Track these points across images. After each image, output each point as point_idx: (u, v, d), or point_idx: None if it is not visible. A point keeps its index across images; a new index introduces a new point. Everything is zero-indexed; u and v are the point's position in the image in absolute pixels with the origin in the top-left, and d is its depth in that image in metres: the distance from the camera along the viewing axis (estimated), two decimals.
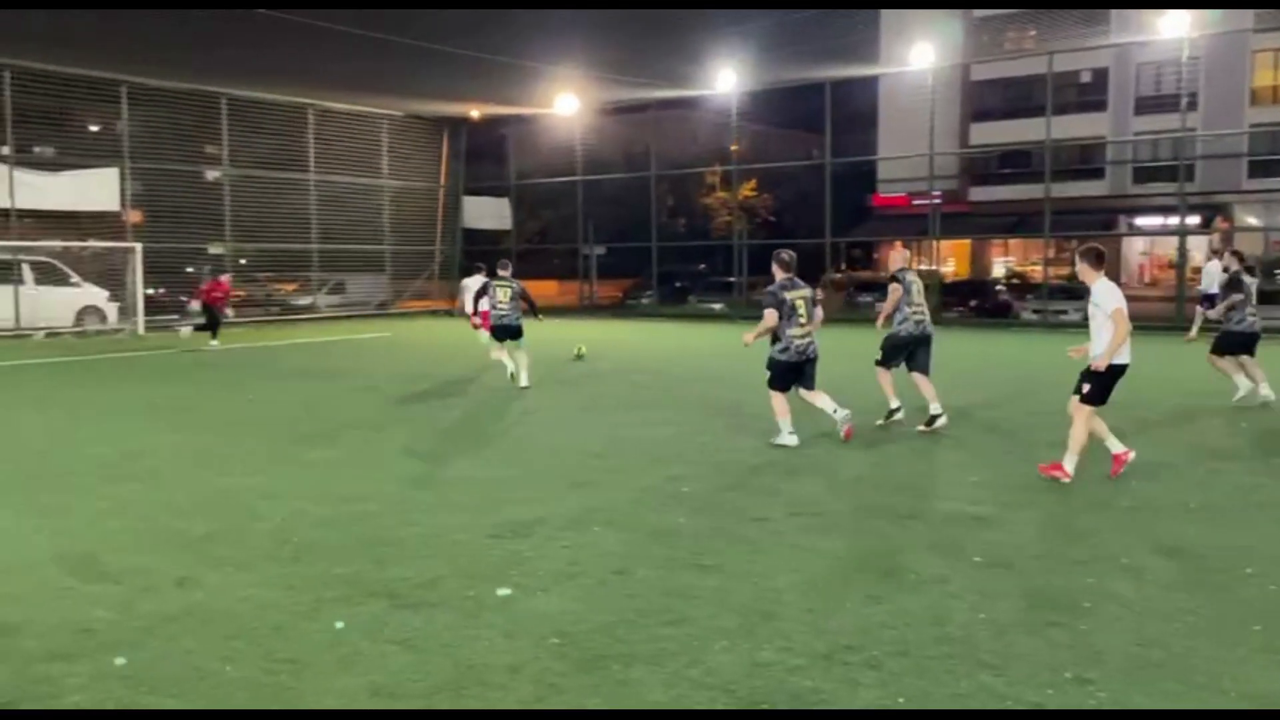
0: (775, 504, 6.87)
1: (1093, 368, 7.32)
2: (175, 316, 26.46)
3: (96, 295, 24.24)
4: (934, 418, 9.59)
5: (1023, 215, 33.30)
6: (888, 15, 31.64)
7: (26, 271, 22.99)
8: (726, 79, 27.35)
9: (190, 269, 28.01)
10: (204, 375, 15.64)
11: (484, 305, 13.90)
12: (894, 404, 9.91)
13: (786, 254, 9.21)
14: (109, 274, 24.73)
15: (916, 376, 9.79)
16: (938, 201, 28.36)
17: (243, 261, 28.86)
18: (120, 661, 4.22)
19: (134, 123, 25.65)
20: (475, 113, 31.80)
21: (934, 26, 28.52)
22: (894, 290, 9.76)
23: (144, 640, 4.44)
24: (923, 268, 8.20)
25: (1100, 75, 37.38)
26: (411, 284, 32.55)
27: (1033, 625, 4.57)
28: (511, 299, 13.46)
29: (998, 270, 40.38)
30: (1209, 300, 19.59)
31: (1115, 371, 7.33)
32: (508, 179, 34.58)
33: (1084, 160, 37.74)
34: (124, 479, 7.82)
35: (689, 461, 8.43)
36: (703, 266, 43.83)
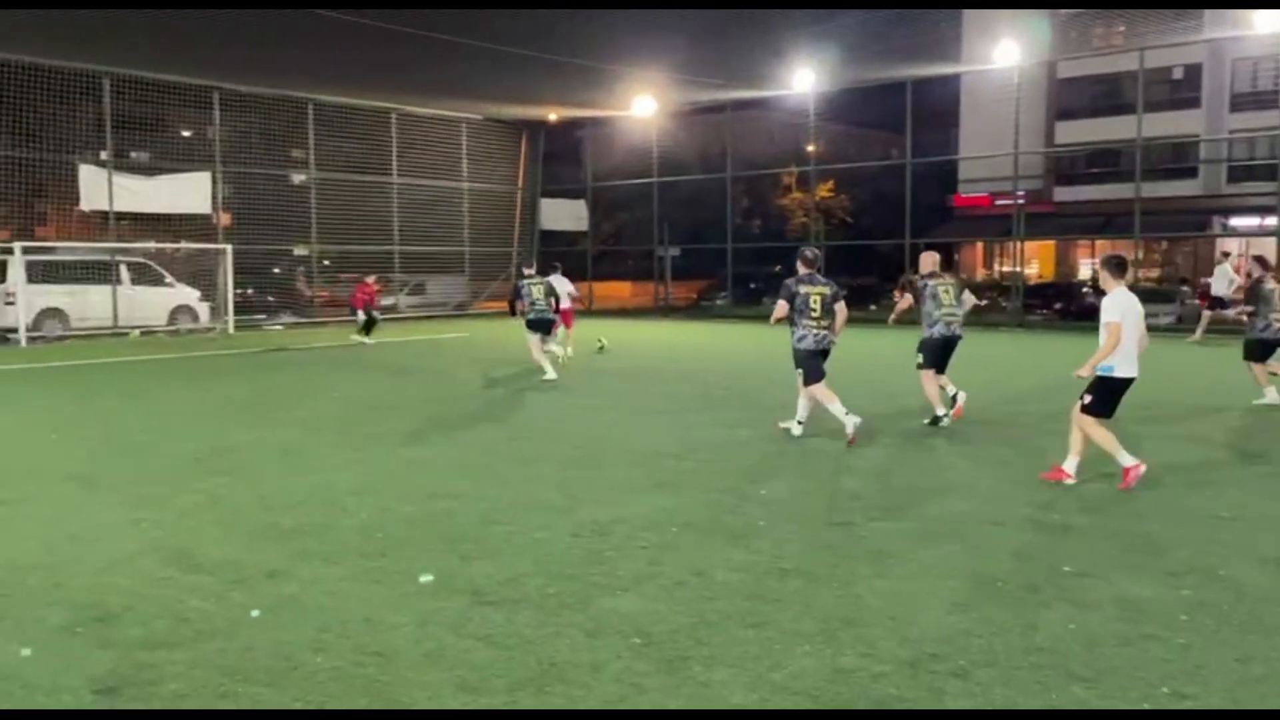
0: (856, 508, 6.80)
1: (1076, 373, 7.47)
2: (262, 316, 27.25)
3: (189, 295, 25.05)
4: (937, 418, 10.14)
5: (1110, 216, 32.40)
6: (971, 12, 31.05)
7: (124, 272, 23.87)
8: (804, 79, 27.14)
9: (276, 270, 28.82)
10: (289, 374, 16.06)
11: (525, 301, 14.49)
12: (939, 411, 10.19)
13: (810, 251, 9.72)
14: (200, 275, 25.56)
15: (938, 376, 10.40)
16: (1021, 202, 27.75)
17: (326, 263, 29.58)
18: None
19: (225, 128, 26.47)
20: (553, 115, 32.08)
21: (1020, 23, 27.87)
22: (906, 299, 10.70)
23: (237, 630, 4.58)
24: (954, 275, 8.73)
25: (1193, 71, 36.15)
26: (489, 285, 32.97)
27: (1126, 637, 4.45)
28: (545, 295, 14.37)
29: (1084, 272, 39.33)
30: (1218, 303, 19.74)
31: (1117, 384, 7.35)
32: (584, 181, 34.82)
33: (1176, 159, 36.55)
34: (216, 473, 8.07)
35: (767, 464, 8.39)
36: (778, 268, 43.53)
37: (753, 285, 34.93)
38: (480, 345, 21.21)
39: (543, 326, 14.40)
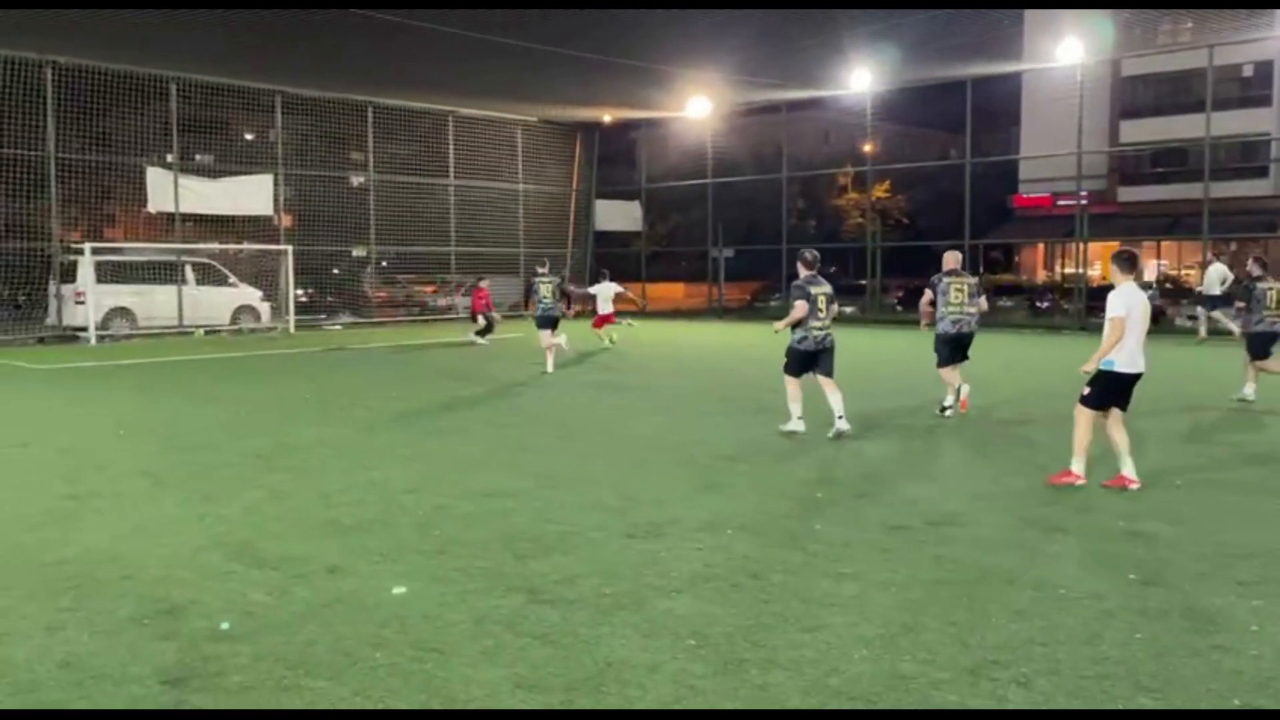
0: (914, 512, 6.72)
1: (1082, 369, 7.53)
2: (322, 316, 27.71)
3: (251, 295, 25.55)
4: (944, 407, 10.82)
5: (1177, 216, 31.65)
6: (1033, 10, 30.53)
7: (189, 272, 24.41)
8: (861, 78, 26.89)
9: (336, 270, 29.28)
10: (349, 372, 16.29)
11: (536, 298, 16.03)
12: (947, 401, 10.86)
13: (810, 254, 10.02)
14: (262, 275, 26.06)
15: (952, 372, 10.95)
16: (1084, 202, 27.22)
17: (384, 264, 29.99)
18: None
19: (287, 131, 26.96)
20: (607, 117, 32.17)
21: (1083, 21, 27.34)
22: (926, 294, 11.13)
23: (299, 625, 4.65)
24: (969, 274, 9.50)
25: (1264, 68, 35.15)
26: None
27: (1195, 648, 4.33)
28: (553, 293, 15.76)
29: (1149, 274, 38.46)
30: (1212, 302, 20.73)
31: (1118, 379, 7.37)
32: (638, 182, 34.86)
33: (1245, 158, 35.58)
34: (278, 470, 8.21)
35: (822, 466, 8.32)
36: (833, 269, 43.20)
37: None
38: (533, 346, 21.32)
39: (550, 323, 15.67)
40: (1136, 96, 37.41)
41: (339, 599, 5.02)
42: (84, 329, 21.77)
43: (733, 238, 34.32)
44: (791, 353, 9.76)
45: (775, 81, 26.18)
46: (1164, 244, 38.08)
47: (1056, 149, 29.10)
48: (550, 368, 15.35)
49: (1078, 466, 7.47)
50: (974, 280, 11.10)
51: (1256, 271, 12.26)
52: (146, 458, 8.76)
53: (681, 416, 11.24)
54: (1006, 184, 39.46)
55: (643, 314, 24.67)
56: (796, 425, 9.67)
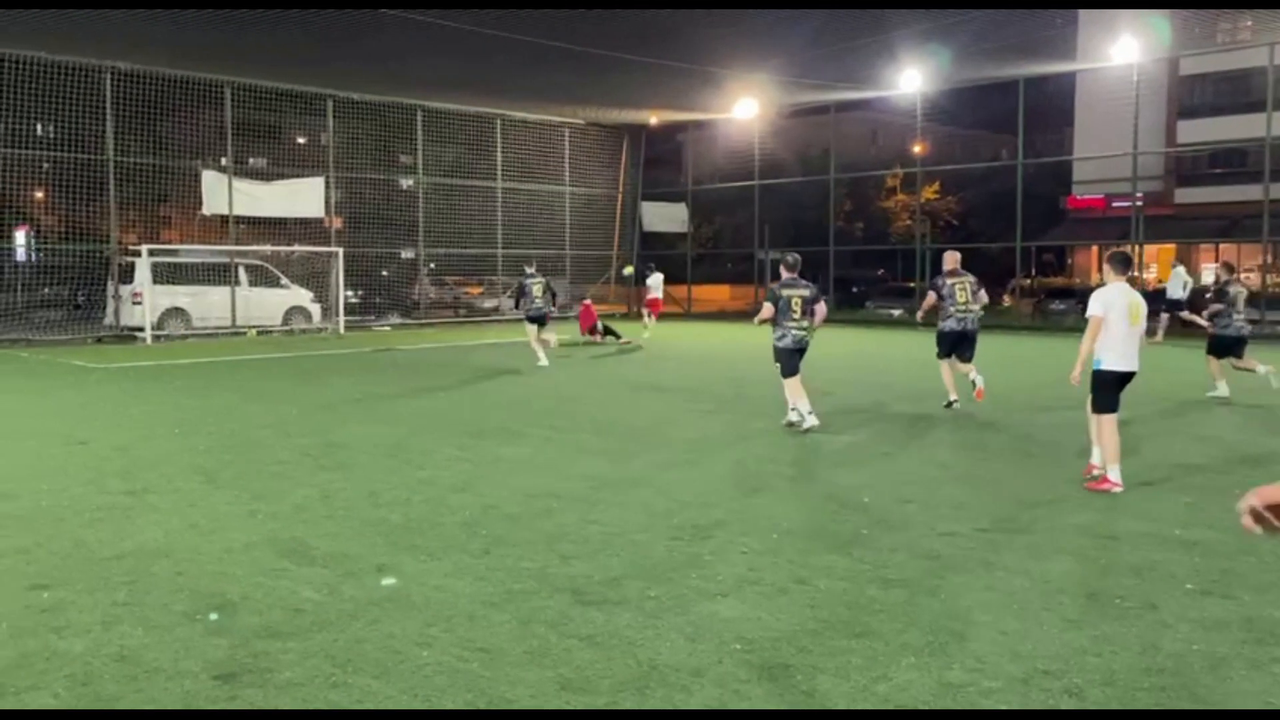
0: (962, 518, 6.63)
1: (1071, 379, 7.80)
2: (372, 317, 28.04)
3: (302, 296, 25.93)
4: (950, 402, 11.55)
5: (1236, 218, 30.93)
6: (1088, 9, 30.04)
7: (242, 274, 24.83)
8: (911, 79, 26.63)
9: (385, 272, 29.63)
10: (397, 373, 16.46)
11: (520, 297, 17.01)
12: (952, 396, 11.54)
13: (791, 257, 10.67)
14: (313, 277, 26.43)
15: (960, 365, 11.55)
16: (1140, 203, 26.71)
17: (432, 265, 30.26)
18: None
19: (338, 134, 27.33)
20: (654, 119, 32.19)
21: (1139, 19, 26.85)
22: (930, 297, 11.86)
23: (348, 623, 4.70)
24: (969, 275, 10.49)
25: None
26: (590, 288, 33.26)
27: (1255, 660, 4.23)
28: (543, 293, 16.76)
29: (1206, 277, 37.64)
30: (1174, 305, 21.44)
31: (1107, 377, 7.58)
32: (684, 184, 34.83)
33: None
34: (328, 468, 8.31)
35: (869, 471, 8.24)
36: (881, 271, 42.84)
37: (855, 289, 34.46)
38: (580, 347, 21.39)
39: (538, 320, 16.77)
40: (1195, 96, 36.64)
41: (387, 597, 5.07)
42: (140, 329, 22.23)
43: (779, 240, 34.17)
44: (777, 352, 10.32)
45: (824, 82, 26.02)
46: (1222, 246, 37.27)
47: (1111, 150, 28.61)
48: (544, 360, 16.57)
49: (1114, 474, 7.48)
50: (974, 279, 11.64)
51: (1225, 276, 13.07)
52: (200, 455, 8.91)
53: (727, 419, 11.20)
54: (1060, 185, 38.85)
55: (685, 315, 24.73)
56: (811, 420, 10.06)
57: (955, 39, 21.38)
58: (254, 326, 24.47)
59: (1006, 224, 27.52)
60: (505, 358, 19.00)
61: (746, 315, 31.89)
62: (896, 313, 30.80)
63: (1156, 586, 5.18)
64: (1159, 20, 24.88)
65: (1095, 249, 39.73)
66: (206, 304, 23.99)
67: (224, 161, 25.18)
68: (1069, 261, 41.85)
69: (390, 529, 6.39)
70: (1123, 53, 25.01)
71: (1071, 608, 4.88)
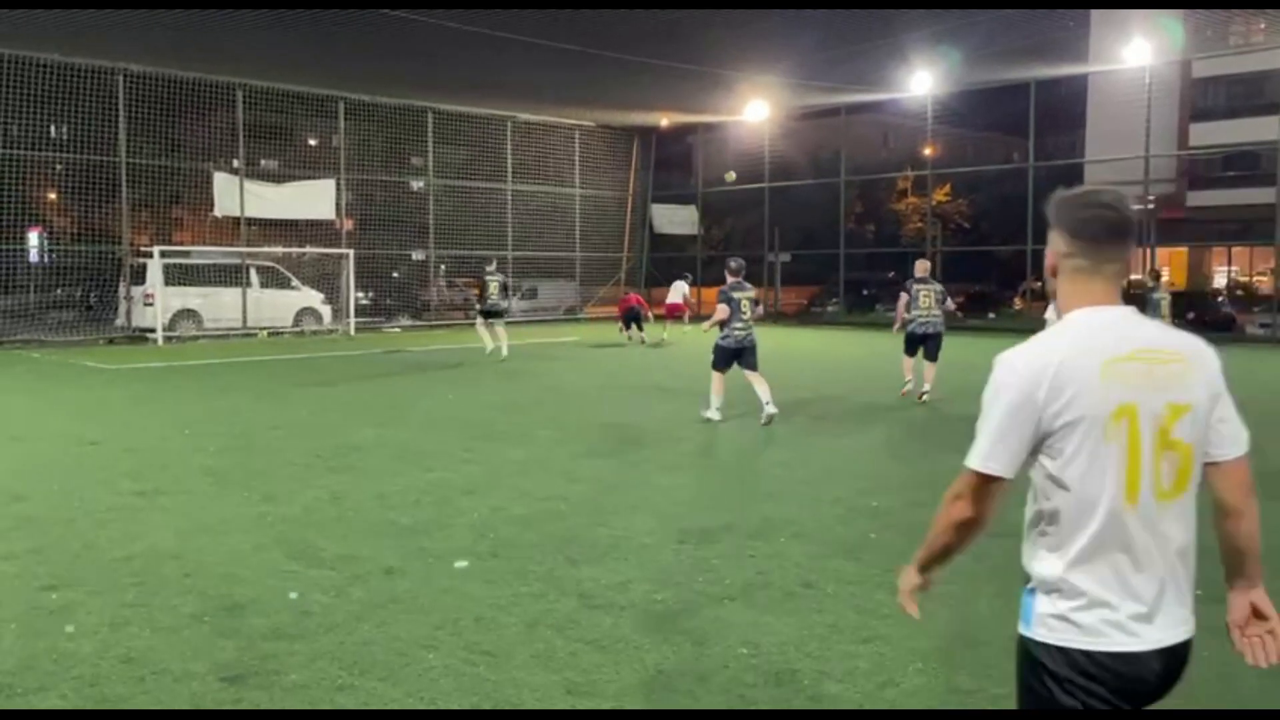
0: None
1: None
2: (382, 318, 28.11)
3: (313, 298, 26.00)
4: (921, 393, 12.62)
5: (1249, 221, 30.74)
6: (1099, 10, 29.93)
7: (253, 275, 24.92)
8: (922, 81, 26.57)
9: (396, 274, 29.70)
10: (408, 374, 16.49)
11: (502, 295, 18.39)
12: (908, 377, 12.91)
13: (735, 262, 11.34)
14: (324, 278, 26.51)
15: (924, 363, 12.72)
16: (1152, 207, 26.59)
17: (443, 267, 30.31)
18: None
19: (349, 136, 27.41)
20: (665, 121, 32.19)
21: (1152, 22, 26.73)
22: (901, 298, 13.04)
23: (356, 625, 4.71)
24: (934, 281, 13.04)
25: None
26: (599, 290, 33.29)
27: (1268, 669, 4.18)
28: (499, 290, 18.45)
29: (1219, 280, 37.48)
30: None
31: None
32: (694, 186, 34.83)
33: None
34: (338, 470, 8.33)
35: (879, 475, 8.22)
36: (891, 274, 42.70)
37: (865, 291, 34.37)
38: (589, 349, 21.41)
39: (494, 314, 18.53)
40: (1207, 99, 36.47)
41: (394, 600, 5.08)
42: (152, 330, 22.32)
43: (790, 242, 34.13)
44: (717, 349, 11.03)
45: (835, 84, 25.98)
46: (1235, 250, 37.10)
47: (1123, 152, 28.46)
48: (490, 348, 18.19)
49: None
50: (940, 288, 13.10)
51: (1150, 282, 13.68)
52: (210, 457, 8.94)
53: (736, 423, 11.19)
54: (1071, 188, 38.68)
55: (696, 317, 24.66)
56: (714, 414, 10.83)
57: (966, 41, 21.33)
58: (265, 328, 24.56)
59: (1018, 227, 27.43)
60: (515, 360, 19.02)
61: (758, 318, 31.90)
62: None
63: None
64: (1171, 22, 24.78)
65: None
66: (218, 305, 24.08)
67: (236, 163, 25.29)
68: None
69: (399, 531, 6.40)
70: (1135, 55, 24.92)
71: None
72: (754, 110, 29.80)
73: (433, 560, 5.74)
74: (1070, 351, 2.10)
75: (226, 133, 25.18)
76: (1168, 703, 3.53)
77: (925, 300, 12.80)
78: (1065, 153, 35.94)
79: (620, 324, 22.89)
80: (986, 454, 2.22)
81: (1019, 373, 2.13)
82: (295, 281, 25.83)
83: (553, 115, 30.38)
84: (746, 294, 11.10)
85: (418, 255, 29.32)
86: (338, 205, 26.75)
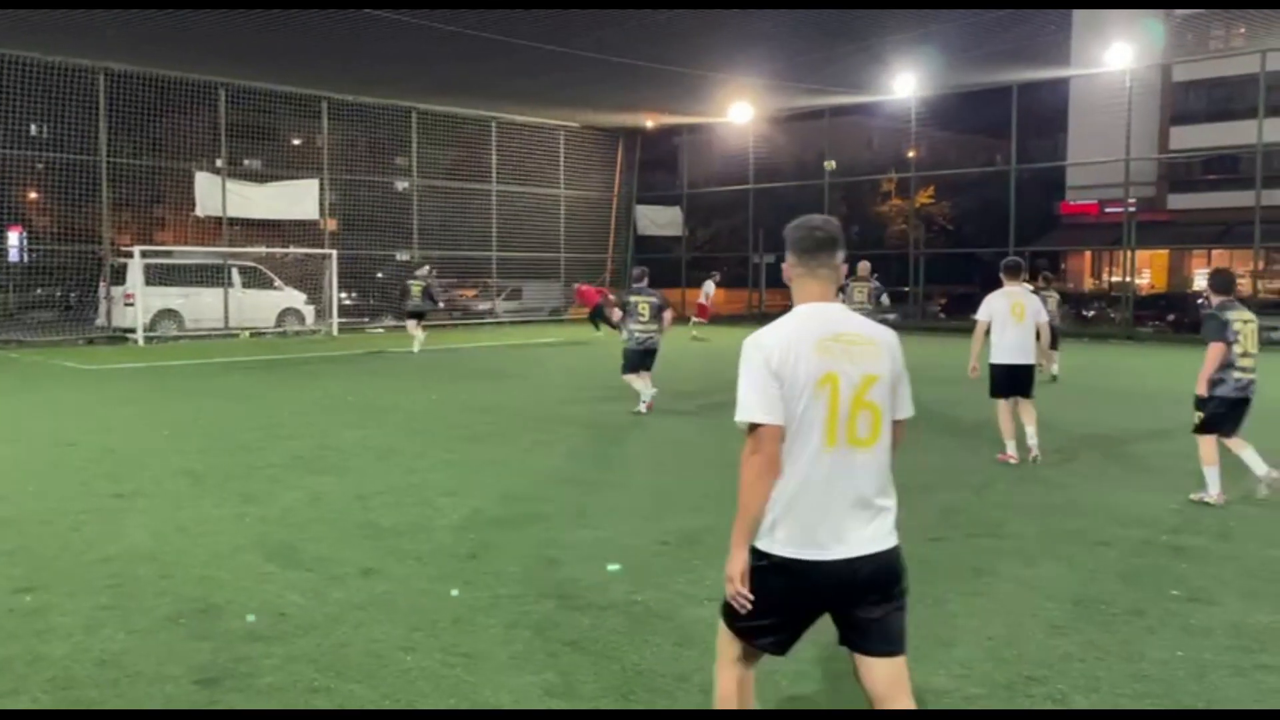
0: (954, 524, 6.63)
1: (970, 373, 8.89)
2: (365, 319, 28.00)
3: (296, 298, 25.87)
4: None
5: (1229, 224, 31.01)
6: (1081, 14, 30.11)
7: (235, 275, 24.78)
8: (905, 83, 26.68)
9: (380, 274, 29.60)
10: (390, 376, 16.42)
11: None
12: None
13: (637, 269, 12.34)
14: (307, 279, 26.39)
15: None
16: (1133, 209, 26.77)
17: (432, 269, 30.19)
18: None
19: (333, 136, 27.29)
20: (650, 122, 32.20)
21: (1132, 25, 26.90)
22: (838, 296, 15.13)
23: (333, 627, 4.68)
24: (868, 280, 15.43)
25: None
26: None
27: (1239, 667, 4.23)
28: (420, 292, 19.50)
29: (1199, 283, 37.74)
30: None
31: (999, 369, 8.68)
32: (679, 187, 34.86)
33: None
34: (318, 472, 8.29)
35: None
36: (875, 275, 42.85)
37: (847, 291, 34.43)
38: (573, 350, 21.39)
39: (416, 315, 19.49)
40: (1188, 102, 36.74)
41: (373, 601, 5.05)
42: (132, 330, 22.17)
43: (774, 243, 34.14)
44: (626, 353, 11.81)
45: (819, 87, 26.06)
46: (1215, 253, 37.35)
47: (1104, 155, 28.68)
48: (416, 349, 19.23)
49: (1009, 449, 8.71)
50: (875, 285, 15.11)
51: (1041, 284, 14.19)
52: (189, 458, 8.88)
53: (719, 422, 11.19)
54: (1053, 191, 38.92)
55: (679, 320, 24.80)
56: (643, 408, 11.57)
57: (949, 44, 21.41)
58: (247, 328, 24.42)
59: (1000, 229, 27.57)
60: (499, 361, 18.98)
61: (741, 319, 31.97)
62: (892, 317, 30.79)
63: (1143, 593, 5.18)
64: (1153, 22, 24.96)
65: (1088, 255, 39.86)
66: (199, 306, 23.95)
67: (218, 163, 25.15)
68: (1062, 267, 41.90)
69: (378, 532, 6.37)
70: (1116, 59, 25.08)
71: (1058, 614, 4.88)
72: (739, 112, 29.85)
73: (413, 562, 5.72)
74: (793, 333, 2.85)
75: (209, 132, 25.05)
76: (1165, 703, 3.52)
77: (859, 295, 14.86)
78: (1047, 155, 36.17)
79: (594, 321, 23.48)
80: (752, 407, 2.83)
81: (759, 346, 2.86)
82: (278, 282, 25.69)
83: (537, 116, 30.35)
84: (645, 298, 11.78)
85: (402, 256, 29.22)
86: (321, 205, 26.63)
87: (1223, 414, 7.20)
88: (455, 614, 4.85)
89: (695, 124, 32.35)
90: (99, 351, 20.56)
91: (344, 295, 26.78)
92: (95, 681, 4.07)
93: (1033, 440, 8.67)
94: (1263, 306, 24.41)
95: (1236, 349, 7.14)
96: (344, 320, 26.12)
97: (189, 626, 4.68)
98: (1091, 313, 30.19)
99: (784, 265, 3.05)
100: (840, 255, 3.00)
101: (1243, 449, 7.34)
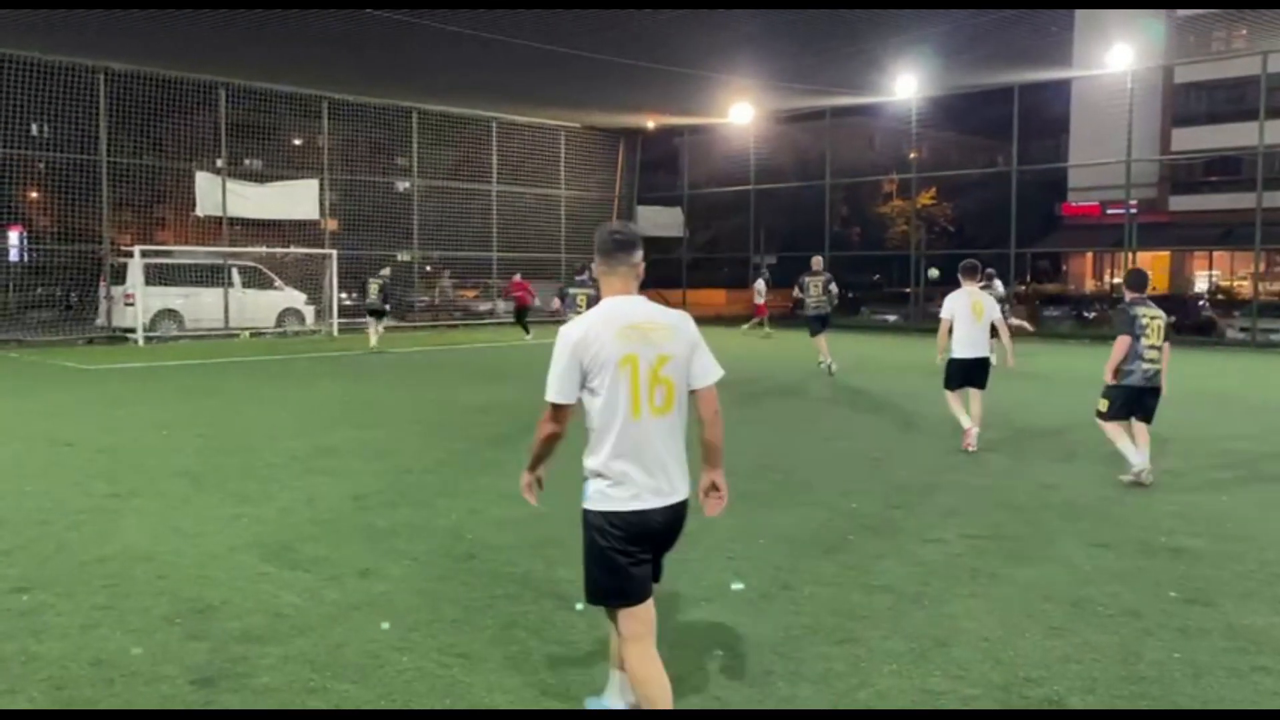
0: (950, 525, 6.62)
1: (938, 361, 9.55)
2: (366, 320, 27.98)
3: (296, 298, 25.86)
4: (829, 365, 15.81)
5: (1230, 226, 31.00)
6: (1082, 15, 30.09)
7: (235, 275, 24.78)
8: (907, 84, 26.65)
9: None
10: (390, 376, 16.42)
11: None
12: (822, 358, 15.99)
13: (581, 264, 13.85)
14: (307, 279, 26.38)
15: (821, 339, 16.13)
16: (1134, 211, 26.75)
17: (428, 269, 30.21)
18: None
19: (333, 136, 27.28)
20: (651, 123, 32.20)
21: (1134, 27, 26.88)
22: (795, 289, 17.70)
23: (329, 627, 4.68)
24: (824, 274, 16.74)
25: None
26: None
27: (1236, 669, 4.22)
28: (377, 292, 20.45)
29: (1200, 284, 37.73)
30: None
31: (958, 362, 9.31)
32: (680, 188, 34.86)
33: None
34: (316, 472, 8.28)
35: (858, 477, 8.23)
36: (876, 277, 42.85)
37: (850, 294, 34.43)
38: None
39: (373, 313, 20.63)
40: (1189, 104, 36.73)
41: (369, 601, 5.05)
42: (132, 330, 22.17)
43: (775, 244, 34.18)
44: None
45: (820, 87, 26.03)
46: (1216, 254, 37.36)
47: (1106, 156, 28.65)
48: (374, 343, 20.30)
49: (966, 422, 9.31)
50: (826, 277, 16.39)
51: (984, 282, 15.20)
52: (187, 458, 8.88)
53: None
54: (1055, 192, 38.89)
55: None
56: None
57: (951, 45, 21.40)
58: (247, 328, 24.42)
59: (1001, 230, 27.56)
60: (498, 361, 18.98)
61: (742, 320, 31.97)
62: (892, 318, 30.81)
63: (1140, 594, 5.18)
64: (1153, 21, 24.93)
65: (1090, 256, 39.83)
66: (199, 306, 23.95)
67: (218, 163, 25.14)
68: (1064, 268, 41.91)
69: (375, 533, 6.37)
70: (1118, 60, 25.05)
71: (1055, 615, 4.87)
72: (740, 113, 29.83)
73: (409, 563, 5.71)
74: (597, 323, 3.33)
75: (209, 132, 25.04)
76: (1159, 703, 3.52)
77: (814, 290, 16.33)
78: (1049, 156, 36.17)
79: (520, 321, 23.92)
80: (555, 391, 3.40)
81: (568, 337, 3.35)
82: (278, 282, 25.69)
83: (538, 116, 30.34)
84: (584, 290, 13.04)
85: (403, 256, 29.21)
86: (321, 205, 26.63)
87: (1126, 402, 7.79)
88: (452, 615, 4.85)
89: (696, 125, 32.32)
90: (99, 351, 20.56)
91: (344, 295, 26.77)
92: (91, 681, 4.06)
93: (974, 429, 9.25)
94: (1263, 309, 24.42)
95: (1144, 342, 7.72)
96: (344, 320, 26.11)
97: (185, 626, 4.67)
98: (1093, 314, 30.15)
99: (592, 266, 3.58)
100: (637, 255, 3.43)
101: (1141, 438, 7.81)
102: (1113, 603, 5.04)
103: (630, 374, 3.28)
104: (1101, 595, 5.16)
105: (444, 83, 24.78)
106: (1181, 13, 33.85)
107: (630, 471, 3.33)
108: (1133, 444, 7.82)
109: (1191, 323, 26.07)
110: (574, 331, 3.32)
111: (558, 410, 3.42)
